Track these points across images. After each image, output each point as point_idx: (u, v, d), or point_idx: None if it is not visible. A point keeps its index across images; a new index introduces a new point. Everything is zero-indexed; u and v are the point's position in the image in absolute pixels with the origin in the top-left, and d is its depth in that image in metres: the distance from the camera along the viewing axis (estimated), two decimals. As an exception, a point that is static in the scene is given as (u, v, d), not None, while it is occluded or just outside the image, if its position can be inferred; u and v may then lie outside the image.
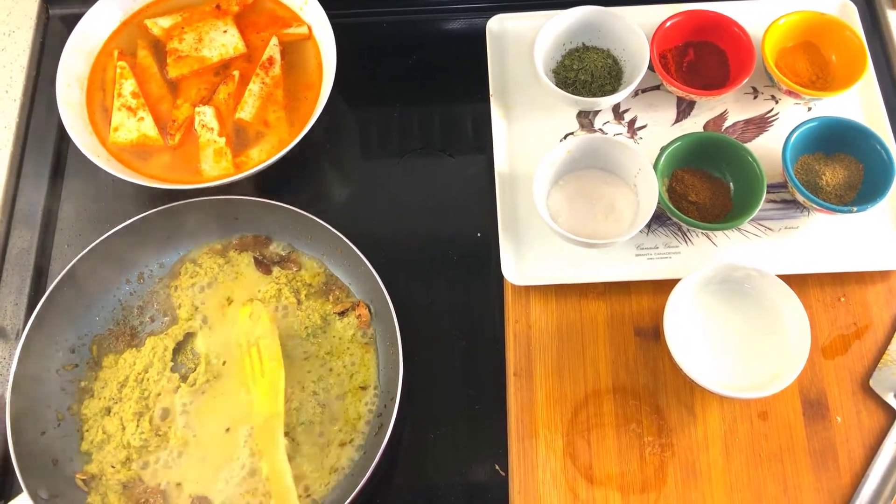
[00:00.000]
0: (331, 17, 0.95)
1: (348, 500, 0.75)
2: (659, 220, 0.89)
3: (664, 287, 0.82)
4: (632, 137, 0.93)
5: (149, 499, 0.80)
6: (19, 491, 0.76)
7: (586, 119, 0.94)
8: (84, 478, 0.81)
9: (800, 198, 0.86)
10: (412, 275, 0.91)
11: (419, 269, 0.92)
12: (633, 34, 0.92)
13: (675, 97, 0.95)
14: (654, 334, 0.85)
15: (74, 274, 0.85)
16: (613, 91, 0.92)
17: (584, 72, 0.93)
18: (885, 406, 0.82)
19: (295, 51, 0.98)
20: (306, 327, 0.86)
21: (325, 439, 0.82)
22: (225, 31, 0.97)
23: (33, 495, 0.76)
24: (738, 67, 0.93)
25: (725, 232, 0.88)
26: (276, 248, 0.91)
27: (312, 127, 0.90)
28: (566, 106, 0.94)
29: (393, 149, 0.99)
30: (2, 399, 0.86)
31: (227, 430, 0.83)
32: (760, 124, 0.94)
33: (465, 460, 0.84)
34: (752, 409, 0.82)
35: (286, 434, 0.81)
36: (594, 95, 0.92)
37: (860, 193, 0.87)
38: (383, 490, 0.83)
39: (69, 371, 0.85)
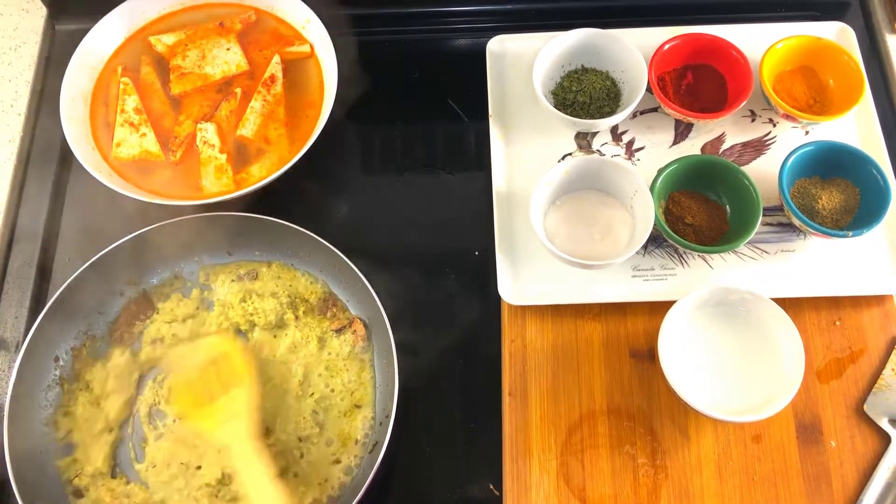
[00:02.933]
0: (332, 36, 0.96)
1: (343, 518, 0.76)
2: (655, 241, 0.89)
3: (660, 309, 0.82)
4: (629, 159, 0.94)
5: None
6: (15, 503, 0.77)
7: (584, 140, 0.95)
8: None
9: (796, 221, 0.86)
10: (410, 292, 0.92)
11: (417, 286, 0.92)
12: (632, 56, 0.93)
13: (673, 119, 0.96)
14: (649, 356, 0.85)
15: (75, 288, 0.86)
16: (612, 113, 0.93)
17: (583, 93, 0.94)
18: (880, 431, 0.82)
19: (297, 69, 0.99)
20: (302, 345, 0.87)
21: (321, 457, 0.82)
22: (228, 49, 0.98)
23: (28, 507, 0.76)
24: (736, 91, 0.93)
25: (722, 255, 0.89)
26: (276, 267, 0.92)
27: (313, 144, 0.91)
28: (564, 127, 0.95)
29: (393, 166, 1.00)
30: (1, 410, 0.86)
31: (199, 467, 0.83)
32: (758, 147, 0.94)
33: (459, 479, 0.84)
34: (745, 433, 0.82)
35: (281, 453, 0.81)
36: (592, 117, 0.93)
37: (856, 218, 0.87)
38: (378, 507, 0.83)
39: (58, 384, 0.86)
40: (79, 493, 0.82)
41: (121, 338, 0.89)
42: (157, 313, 0.90)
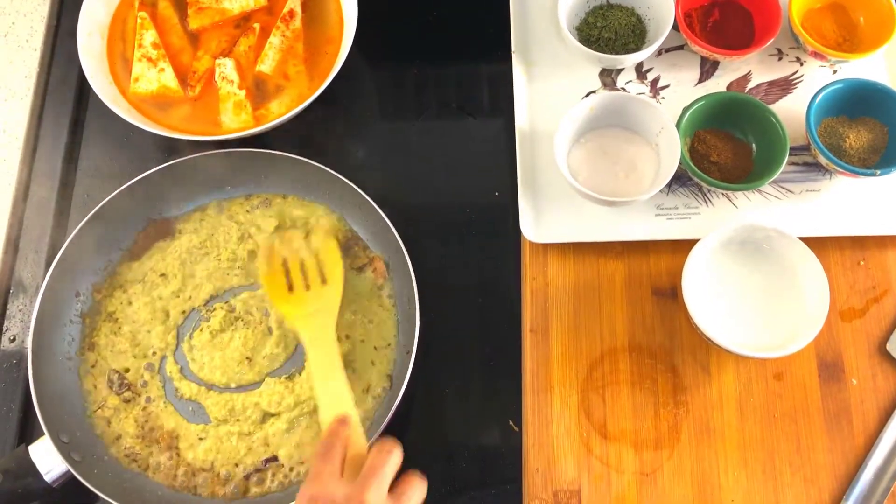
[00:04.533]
0: (352, -30, 0.94)
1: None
2: (679, 180, 0.88)
3: (683, 247, 0.82)
4: (654, 97, 0.93)
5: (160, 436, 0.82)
6: (41, 434, 0.77)
7: (609, 77, 0.94)
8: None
9: (823, 160, 0.85)
10: (429, 232, 0.91)
11: (436, 227, 0.92)
12: (659, -8, 0.91)
13: (698, 57, 0.94)
14: (671, 294, 0.85)
15: (94, 223, 0.85)
16: (637, 49, 0.92)
17: (608, 29, 0.92)
18: (902, 370, 0.82)
19: (316, 4, 0.97)
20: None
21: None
22: (246, -17, 0.96)
23: (55, 439, 0.77)
24: (764, 28, 0.92)
25: (746, 193, 0.88)
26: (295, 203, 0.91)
27: (332, 82, 0.89)
28: (589, 63, 0.94)
29: (412, 107, 0.99)
30: (23, 347, 0.87)
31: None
32: (784, 86, 0.93)
33: (479, 415, 0.85)
34: (767, 370, 0.82)
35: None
36: (617, 53, 0.92)
37: (884, 157, 0.86)
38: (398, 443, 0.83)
39: (79, 318, 0.86)
40: (103, 425, 0.82)
41: (138, 255, 0.89)
42: (180, 235, 0.90)
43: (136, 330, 0.86)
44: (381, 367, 0.84)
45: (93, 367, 0.84)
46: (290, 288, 0.83)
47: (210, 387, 0.84)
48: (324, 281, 0.83)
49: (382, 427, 0.77)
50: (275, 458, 0.81)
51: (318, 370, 0.77)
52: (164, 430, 0.82)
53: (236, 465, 0.81)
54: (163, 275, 0.88)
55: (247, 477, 0.80)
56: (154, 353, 0.85)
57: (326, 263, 0.84)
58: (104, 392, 0.83)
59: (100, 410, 0.83)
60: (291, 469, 0.81)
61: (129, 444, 0.82)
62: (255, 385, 0.84)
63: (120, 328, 0.86)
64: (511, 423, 0.83)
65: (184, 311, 0.87)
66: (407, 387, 0.79)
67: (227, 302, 0.87)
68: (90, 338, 0.85)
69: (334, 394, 0.74)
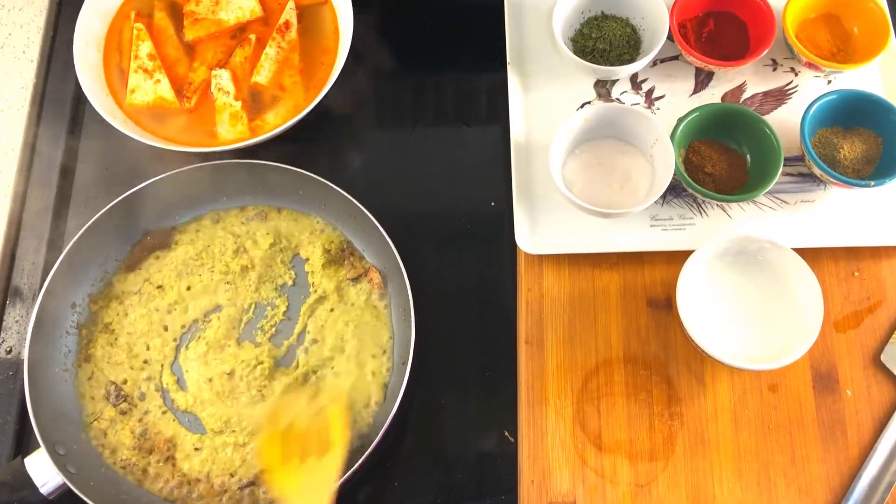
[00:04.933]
0: (348, -18, 0.95)
1: (359, 462, 0.76)
2: (674, 191, 0.89)
3: (678, 258, 0.82)
4: (649, 107, 0.93)
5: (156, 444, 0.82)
6: (37, 447, 0.78)
7: (604, 88, 0.94)
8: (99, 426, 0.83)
9: (817, 171, 0.86)
10: (425, 242, 0.91)
11: (432, 236, 0.92)
12: (653, 3, 0.91)
13: (693, 68, 0.94)
14: (666, 305, 0.85)
15: (91, 234, 0.86)
16: (631, 60, 0.92)
17: (603, 40, 0.92)
18: (896, 381, 0.82)
19: (311, 15, 0.97)
20: (325, 295, 0.87)
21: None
22: (242, -6, 0.97)
23: (50, 450, 0.77)
24: (758, 39, 0.92)
25: (741, 204, 0.88)
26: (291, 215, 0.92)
27: (328, 93, 0.90)
28: (584, 75, 0.94)
29: (408, 116, 0.99)
30: (19, 358, 0.87)
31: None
32: (779, 97, 0.93)
33: (474, 426, 0.85)
34: (762, 381, 0.82)
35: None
36: (612, 64, 0.92)
37: (878, 168, 0.87)
38: (393, 454, 0.83)
39: (76, 329, 0.86)
40: (100, 436, 0.83)
41: (134, 266, 0.89)
42: (176, 246, 0.90)
43: (133, 341, 0.86)
44: (374, 375, 0.84)
45: (89, 378, 0.84)
46: (286, 455, 0.78)
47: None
48: (323, 450, 0.77)
49: (378, 437, 0.77)
50: None
51: None
52: (161, 440, 0.82)
53: (231, 476, 0.81)
54: (159, 286, 0.88)
55: (241, 488, 0.80)
56: (151, 365, 0.85)
57: (332, 431, 0.78)
58: (100, 404, 0.84)
59: (96, 422, 0.83)
60: None
61: (125, 456, 0.82)
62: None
63: (116, 339, 0.86)
64: (507, 433, 0.83)
65: (182, 324, 0.87)
66: (403, 397, 0.79)
67: (221, 318, 0.87)
68: (86, 349, 0.86)
69: None
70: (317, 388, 0.83)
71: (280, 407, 0.81)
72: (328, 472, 0.76)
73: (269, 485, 0.79)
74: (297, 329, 0.86)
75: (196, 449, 0.82)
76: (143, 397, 0.84)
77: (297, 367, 0.84)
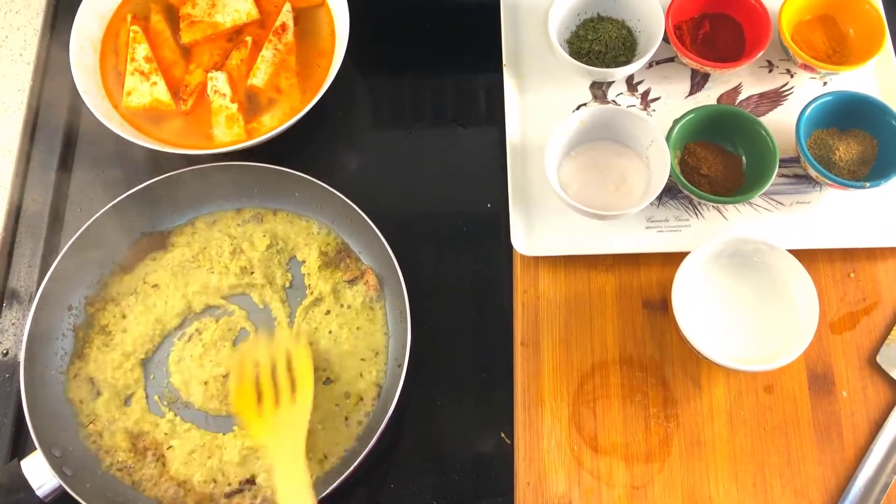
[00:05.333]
0: (344, -16, 0.95)
1: (355, 464, 0.76)
2: (670, 192, 0.89)
3: (673, 260, 0.82)
4: (645, 109, 0.93)
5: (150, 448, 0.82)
6: (33, 449, 0.78)
7: (599, 90, 0.94)
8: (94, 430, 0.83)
9: (812, 173, 0.86)
10: (422, 244, 0.92)
11: (429, 238, 0.92)
12: (649, 5, 0.91)
13: (689, 69, 0.94)
14: (661, 307, 0.85)
15: (87, 237, 0.86)
16: (627, 62, 0.92)
17: (599, 42, 0.92)
18: (892, 382, 0.82)
19: (308, 17, 0.97)
20: (322, 297, 0.87)
21: (333, 408, 0.83)
22: (238, -3, 0.97)
23: (46, 453, 0.77)
24: (754, 40, 0.92)
25: (736, 206, 0.88)
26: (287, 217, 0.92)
27: (324, 95, 0.90)
28: (579, 76, 0.94)
29: (404, 118, 0.99)
30: (16, 360, 0.87)
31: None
32: (775, 98, 0.93)
33: (471, 428, 0.85)
34: (757, 382, 0.82)
35: None
36: (608, 66, 0.92)
37: (873, 169, 0.87)
38: (390, 455, 0.84)
39: (72, 332, 0.86)
40: (95, 439, 0.83)
41: (130, 267, 0.89)
42: (172, 248, 0.90)
43: (129, 343, 0.86)
44: (369, 376, 0.84)
45: (85, 380, 0.84)
46: (259, 400, 0.79)
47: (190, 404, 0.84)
48: (294, 391, 0.79)
49: (374, 439, 0.77)
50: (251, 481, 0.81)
51: (285, 491, 0.74)
52: (155, 442, 0.82)
53: (223, 477, 0.81)
54: (155, 285, 0.88)
55: (230, 494, 0.80)
56: (146, 367, 0.85)
57: (298, 371, 0.80)
58: (96, 405, 0.83)
59: (92, 424, 0.83)
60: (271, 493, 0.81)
61: (121, 458, 0.82)
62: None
63: (112, 341, 0.86)
64: (503, 435, 0.83)
65: (178, 326, 0.87)
66: (399, 399, 0.79)
67: (217, 320, 0.87)
68: (82, 351, 0.85)
69: None
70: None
71: (246, 353, 0.82)
72: (301, 414, 0.78)
73: (247, 431, 0.80)
74: (294, 331, 0.86)
75: (190, 452, 0.82)
76: (138, 399, 0.84)
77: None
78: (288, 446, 0.76)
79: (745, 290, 0.82)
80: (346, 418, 0.82)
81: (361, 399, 0.83)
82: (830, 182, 0.84)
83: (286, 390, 0.79)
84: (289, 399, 0.79)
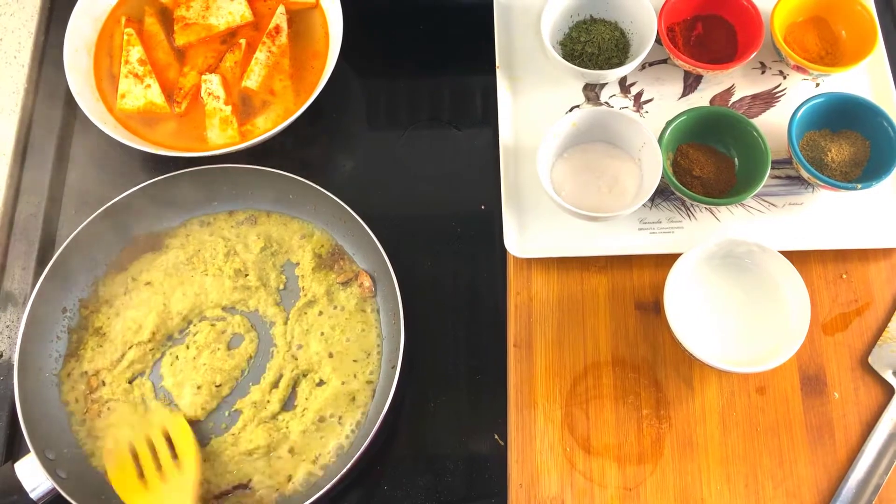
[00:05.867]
0: (338, -14, 0.95)
1: (349, 466, 0.77)
2: (663, 194, 0.89)
3: (666, 261, 0.82)
4: (638, 111, 0.93)
5: None
6: (27, 452, 0.78)
7: (592, 92, 0.94)
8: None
9: (804, 174, 0.86)
10: (415, 246, 0.92)
11: (422, 240, 0.93)
12: (641, 7, 0.91)
13: (682, 71, 0.95)
14: (654, 308, 0.85)
15: (81, 239, 0.86)
16: (620, 64, 0.92)
17: (591, 44, 0.93)
18: (883, 383, 0.82)
19: (301, 19, 0.98)
20: (315, 299, 0.87)
21: (329, 405, 0.83)
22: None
23: (40, 455, 0.77)
24: (747, 42, 0.92)
25: (729, 207, 0.88)
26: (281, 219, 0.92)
27: (318, 97, 0.90)
28: (572, 78, 0.94)
29: (399, 120, 0.99)
30: (9, 363, 0.87)
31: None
32: (767, 100, 0.93)
33: (465, 429, 0.85)
34: (750, 384, 0.82)
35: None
36: (601, 68, 0.92)
37: (865, 170, 0.87)
38: (384, 457, 0.84)
39: (66, 334, 0.86)
40: (90, 441, 0.83)
41: (124, 267, 0.89)
42: (167, 249, 0.90)
43: (122, 343, 0.86)
44: (363, 378, 0.84)
45: (78, 382, 0.84)
46: (142, 476, 0.79)
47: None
48: (176, 462, 0.79)
49: (368, 441, 0.77)
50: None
51: None
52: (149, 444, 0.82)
53: (210, 482, 0.81)
54: (148, 283, 0.88)
55: (218, 496, 0.80)
56: (140, 368, 0.85)
57: (178, 442, 0.80)
58: (89, 407, 0.84)
59: (86, 427, 0.83)
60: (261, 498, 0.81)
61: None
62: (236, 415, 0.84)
63: (106, 342, 0.86)
64: (497, 436, 0.84)
65: (169, 328, 0.87)
66: (393, 400, 0.79)
67: (213, 324, 0.87)
68: (76, 353, 0.86)
69: None
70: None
71: (119, 435, 0.81)
72: (188, 479, 0.78)
73: None
74: (287, 333, 0.86)
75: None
76: (132, 401, 0.84)
77: (286, 371, 0.85)
78: None
79: (738, 292, 0.82)
80: (340, 419, 0.82)
81: (354, 400, 0.83)
82: (822, 183, 0.84)
83: (168, 460, 0.79)
84: (172, 467, 0.79)
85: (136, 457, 0.80)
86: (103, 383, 0.84)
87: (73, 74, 0.91)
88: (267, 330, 0.87)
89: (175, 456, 0.80)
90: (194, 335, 0.86)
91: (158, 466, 0.79)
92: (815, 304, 0.84)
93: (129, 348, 0.85)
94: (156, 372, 0.86)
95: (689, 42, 0.94)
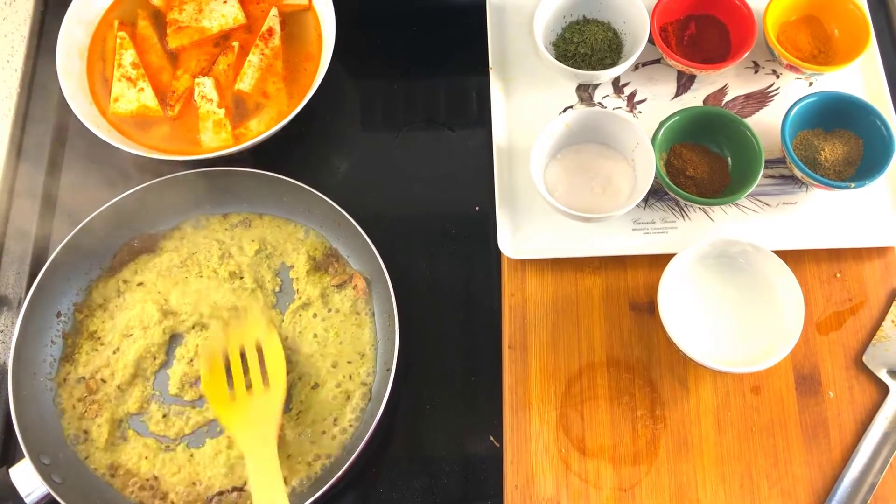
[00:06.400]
0: (330, -12, 0.95)
1: (344, 468, 0.77)
2: (656, 194, 0.89)
3: (660, 262, 0.82)
4: (631, 111, 0.93)
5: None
6: (21, 457, 0.78)
7: (586, 92, 0.94)
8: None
9: (798, 173, 0.86)
10: (410, 248, 0.92)
11: (417, 242, 0.92)
12: (634, 7, 0.91)
13: (675, 71, 0.95)
14: (648, 309, 0.85)
15: (75, 243, 0.86)
16: (613, 64, 0.92)
17: (584, 45, 0.93)
18: (878, 382, 0.82)
19: (295, 22, 0.97)
20: (310, 302, 0.87)
21: (321, 412, 0.83)
22: (225, 2, 0.97)
23: (35, 460, 0.77)
24: (739, 41, 0.92)
25: (723, 207, 0.88)
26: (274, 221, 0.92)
27: (312, 99, 0.90)
28: (566, 79, 0.94)
29: (392, 122, 0.99)
30: (4, 367, 0.87)
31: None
32: (761, 99, 0.93)
33: (460, 431, 0.85)
34: (744, 384, 0.82)
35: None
36: (594, 69, 0.92)
37: (859, 169, 0.87)
38: (379, 459, 0.84)
39: (61, 339, 0.86)
40: (85, 445, 0.83)
41: (117, 269, 0.89)
42: (161, 252, 0.90)
43: (116, 346, 0.85)
44: (357, 380, 0.84)
45: (73, 386, 0.84)
46: (231, 388, 0.81)
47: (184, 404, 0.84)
48: (266, 381, 0.81)
49: (363, 443, 0.77)
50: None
51: (257, 480, 0.75)
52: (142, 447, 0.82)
53: (198, 484, 0.81)
54: (140, 283, 0.88)
55: (210, 499, 0.80)
56: (132, 369, 0.85)
57: (269, 358, 0.82)
58: (84, 411, 0.83)
59: (80, 431, 0.83)
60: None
61: (109, 464, 0.82)
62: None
63: (100, 345, 0.86)
64: (492, 438, 0.84)
65: (164, 330, 0.86)
66: (388, 403, 0.79)
67: (206, 327, 0.87)
68: (71, 357, 0.86)
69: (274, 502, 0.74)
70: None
71: (215, 340, 0.84)
72: (274, 401, 0.79)
73: (220, 420, 0.81)
74: (282, 336, 0.86)
75: (171, 456, 0.82)
76: (126, 403, 0.84)
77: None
78: (260, 434, 0.77)
79: (732, 292, 0.82)
80: (335, 421, 0.82)
81: (349, 403, 0.83)
82: (816, 183, 0.84)
83: (258, 377, 0.81)
84: (261, 386, 0.80)
85: (228, 369, 0.81)
86: (103, 381, 0.84)
87: (66, 78, 0.91)
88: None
89: (264, 372, 0.81)
90: (187, 337, 0.86)
91: (248, 384, 0.80)
92: (810, 304, 0.84)
93: (130, 347, 0.85)
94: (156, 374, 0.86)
95: (681, 42, 0.94)
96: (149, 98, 0.93)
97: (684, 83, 0.94)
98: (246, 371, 0.81)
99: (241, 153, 0.90)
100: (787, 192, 0.89)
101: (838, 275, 0.86)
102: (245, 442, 0.78)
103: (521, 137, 0.92)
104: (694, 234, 0.87)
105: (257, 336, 0.83)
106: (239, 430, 0.79)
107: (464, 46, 1.00)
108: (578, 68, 0.92)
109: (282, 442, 0.81)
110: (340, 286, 0.88)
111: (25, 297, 0.83)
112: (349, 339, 0.86)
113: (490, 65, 0.95)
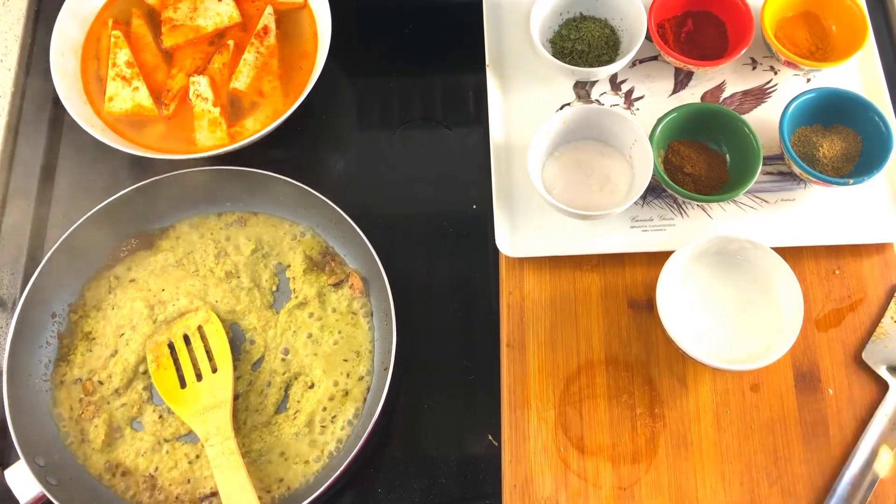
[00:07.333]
0: (326, -14, 0.94)
1: (341, 469, 0.76)
2: (654, 192, 0.88)
3: (658, 259, 0.82)
4: (629, 108, 0.93)
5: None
6: (16, 458, 0.77)
7: (583, 90, 0.94)
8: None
9: (796, 170, 0.85)
10: (407, 246, 0.91)
11: (414, 240, 0.92)
12: (631, 4, 0.91)
13: (672, 68, 0.94)
14: (647, 306, 0.85)
15: (70, 243, 0.85)
16: (610, 61, 0.92)
17: (581, 42, 0.92)
18: (877, 379, 0.82)
19: (290, 20, 0.97)
20: (306, 301, 0.87)
21: (318, 410, 0.83)
22: (220, 0, 0.96)
23: (30, 462, 0.77)
24: (737, 38, 0.92)
25: (721, 204, 0.88)
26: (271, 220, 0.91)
27: (308, 97, 0.89)
28: (563, 76, 0.94)
29: (389, 120, 0.99)
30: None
31: None
32: (759, 95, 0.93)
33: (459, 430, 0.84)
34: (744, 381, 0.82)
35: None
36: (591, 66, 0.92)
37: (857, 165, 0.87)
38: (377, 459, 0.83)
39: (56, 339, 0.86)
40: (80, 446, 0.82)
41: (112, 266, 0.89)
42: (157, 250, 0.90)
43: (110, 346, 0.85)
44: (354, 379, 0.84)
45: (68, 387, 0.84)
46: (182, 383, 0.83)
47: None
48: (214, 369, 0.83)
49: (361, 443, 0.77)
50: None
51: (218, 466, 0.78)
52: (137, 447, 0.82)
53: (199, 483, 0.81)
54: (132, 280, 0.87)
55: (202, 498, 0.80)
56: (126, 369, 0.84)
57: (213, 343, 0.84)
58: (79, 411, 0.83)
59: (75, 431, 0.82)
60: None
61: (104, 464, 0.81)
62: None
63: (95, 346, 0.85)
64: (491, 437, 0.83)
65: (158, 330, 0.86)
66: (385, 402, 0.79)
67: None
68: (66, 358, 0.85)
69: (236, 486, 0.76)
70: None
71: (160, 339, 0.85)
72: (224, 390, 0.82)
73: (176, 412, 0.82)
74: (278, 336, 0.86)
75: (167, 456, 0.82)
76: (122, 405, 0.83)
77: (276, 372, 0.84)
78: (216, 423, 0.80)
79: (730, 289, 0.82)
80: (332, 421, 0.82)
81: (346, 402, 0.83)
82: (814, 179, 0.84)
83: (206, 364, 0.83)
84: (210, 373, 0.83)
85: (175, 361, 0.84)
86: (100, 383, 0.83)
87: (60, 77, 0.91)
88: (259, 333, 0.86)
89: (211, 359, 0.84)
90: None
91: (197, 371, 0.83)
92: (809, 301, 0.84)
93: (126, 344, 0.85)
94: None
95: (679, 38, 0.93)
96: (143, 97, 0.92)
97: (682, 80, 0.94)
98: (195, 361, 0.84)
99: (236, 152, 0.89)
100: (786, 188, 0.89)
101: (837, 271, 0.86)
102: (201, 430, 0.80)
103: (519, 135, 0.91)
104: (692, 231, 0.87)
105: (199, 321, 0.85)
106: (194, 419, 0.80)
107: (460, 44, 1.00)
108: (575, 65, 0.91)
109: (278, 442, 0.81)
110: (337, 285, 0.88)
111: (20, 298, 0.83)
112: (346, 338, 0.85)
113: (487, 62, 0.94)
